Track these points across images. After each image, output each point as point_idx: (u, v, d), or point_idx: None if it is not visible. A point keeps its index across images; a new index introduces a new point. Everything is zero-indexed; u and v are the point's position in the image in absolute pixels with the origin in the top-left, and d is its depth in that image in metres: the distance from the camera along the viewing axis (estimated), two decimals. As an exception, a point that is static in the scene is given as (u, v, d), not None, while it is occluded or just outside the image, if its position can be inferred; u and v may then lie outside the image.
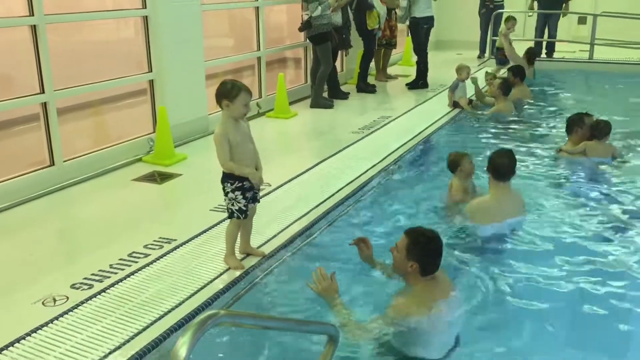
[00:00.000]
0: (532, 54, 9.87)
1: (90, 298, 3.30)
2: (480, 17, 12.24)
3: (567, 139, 5.97)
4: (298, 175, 5.34)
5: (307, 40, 8.45)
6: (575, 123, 5.82)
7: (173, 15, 6.10)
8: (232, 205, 3.57)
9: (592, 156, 5.66)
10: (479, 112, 7.88)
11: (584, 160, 5.64)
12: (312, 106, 8.16)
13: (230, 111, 3.46)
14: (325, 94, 8.55)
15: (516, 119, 7.61)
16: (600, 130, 5.67)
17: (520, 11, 12.59)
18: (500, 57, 10.41)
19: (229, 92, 3.43)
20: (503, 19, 10.89)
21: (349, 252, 3.94)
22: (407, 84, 9.63)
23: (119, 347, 2.86)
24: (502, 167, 4.07)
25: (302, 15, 8.05)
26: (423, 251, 2.92)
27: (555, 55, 11.91)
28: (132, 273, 3.57)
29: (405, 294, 2.97)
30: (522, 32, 12.98)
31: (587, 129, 5.75)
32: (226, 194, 3.59)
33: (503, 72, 9.30)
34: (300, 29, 8.06)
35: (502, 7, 12.08)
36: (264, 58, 7.96)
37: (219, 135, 3.47)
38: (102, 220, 4.44)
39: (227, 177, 3.55)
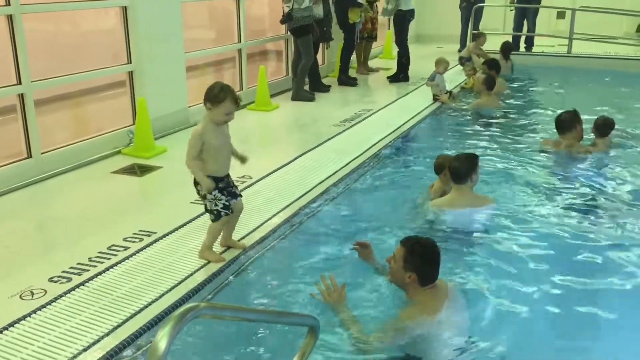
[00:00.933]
0: (507, 49, 9.93)
1: (68, 291, 3.27)
2: (461, 10, 12.27)
3: (549, 135, 5.97)
4: (279, 168, 5.33)
5: (289, 33, 8.43)
6: (575, 120, 5.76)
7: (152, 6, 6.03)
8: (215, 205, 3.55)
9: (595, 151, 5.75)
10: (462, 105, 7.92)
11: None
12: (294, 99, 8.15)
13: (212, 115, 3.43)
14: (307, 87, 8.54)
15: (497, 113, 7.67)
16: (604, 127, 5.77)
17: (500, 5, 12.67)
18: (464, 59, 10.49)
19: (214, 96, 3.39)
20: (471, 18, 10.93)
21: (330, 245, 3.97)
22: (388, 77, 9.66)
23: (97, 341, 2.84)
24: (457, 171, 4.20)
25: (283, 8, 8.02)
26: (421, 260, 2.87)
27: (534, 49, 12.01)
28: (112, 266, 3.55)
29: (407, 309, 2.92)
30: (502, 26, 13.06)
31: (581, 126, 5.77)
32: (204, 197, 3.56)
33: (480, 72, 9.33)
34: (282, 22, 8.04)
35: (482, 0, 12.13)
36: (244, 50, 7.92)
37: (195, 133, 3.45)
38: (81, 213, 4.40)
39: None
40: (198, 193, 3.60)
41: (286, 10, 7.86)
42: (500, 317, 3.16)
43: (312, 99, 8.17)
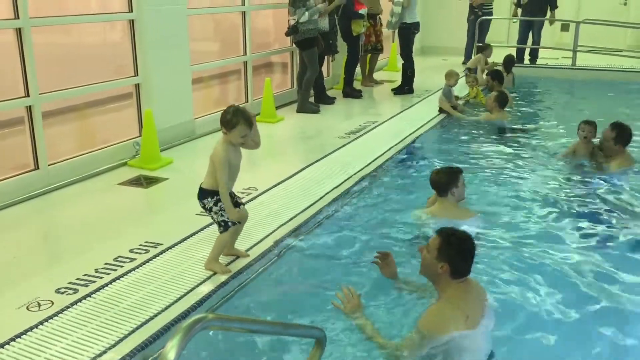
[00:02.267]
0: (509, 62, 10.00)
1: (75, 303, 3.28)
2: (469, 23, 12.31)
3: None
4: (284, 180, 5.35)
5: (294, 45, 8.48)
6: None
7: (159, 19, 6.09)
8: (221, 216, 3.56)
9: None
10: (471, 117, 7.93)
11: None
12: (299, 111, 8.17)
13: (229, 138, 3.50)
14: (312, 99, 8.57)
15: (503, 125, 7.69)
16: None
17: (504, 18, 12.73)
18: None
19: (227, 122, 3.45)
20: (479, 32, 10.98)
21: (335, 256, 3.97)
22: (393, 90, 9.69)
23: (104, 352, 2.85)
24: (435, 184, 4.34)
25: (288, 20, 8.07)
26: (455, 251, 2.83)
27: (539, 61, 12.04)
28: (118, 277, 3.56)
29: (437, 305, 2.88)
30: (506, 39, 13.11)
31: (590, 136, 5.86)
32: (209, 210, 3.59)
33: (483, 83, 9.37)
34: (287, 34, 8.09)
35: (490, 13, 12.18)
36: (250, 62, 7.96)
37: (223, 158, 3.48)
38: (87, 224, 4.42)
39: (206, 194, 3.56)
40: (203, 207, 3.62)
41: (292, 22, 7.91)
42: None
43: (317, 111, 8.20)
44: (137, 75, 6.04)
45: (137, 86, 6.08)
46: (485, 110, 8.12)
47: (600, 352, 3.03)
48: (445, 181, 4.31)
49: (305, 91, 8.20)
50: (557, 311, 3.34)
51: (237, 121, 3.44)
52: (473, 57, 11.24)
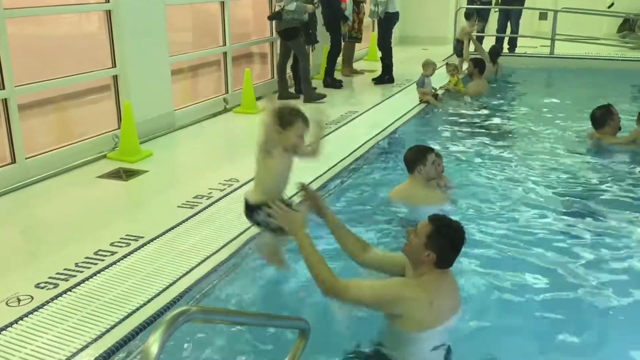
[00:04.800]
0: (495, 53, 10.10)
1: (55, 297, 3.24)
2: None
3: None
4: (266, 171, 5.31)
5: (276, 35, 8.42)
6: (606, 116, 6.03)
7: (136, 10, 6.00)
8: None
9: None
10: (463, 90, 8.06)
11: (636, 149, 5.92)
12: (306, 101, 8.06)
13: (282, 139, 3.20)
14: (292, 89, 8.53)
15: (477, 112, 7.75)
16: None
17: (484, 7, 12.73)
18: (461, 48, 10.55)
19: (284, 118, 3.19)
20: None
21: (320, 248, 3.96)
22: (373, 79, 9.68)
23: (86, 347, 2.82)
24: (404, 160, 4.45)
25: (275, 6, 8.00)
26: (447, 242, 2.72)
27: (518, 50, 12.12)
28: (99, 271, 3.52)
29: (405, 279, 2.80)
30: (485, 28, 13.15)
31: (618, 120, 6.01)
32: (258, 223, 3.36)
33: (466, 68, 9.43)
34: (270, 18, 8.01)
35: (490, 3, 12.20)
36: (230, 53, 7.90)
37: (279, 166, 3.26)
38: (67, 218, 4.36)
39: (257, 208, 3.29)
40: (252, 217, 3.33)
41: (277, 8, 7.85)
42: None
43: (323, 98, 8.18)
44: (115, 66, 5.96)
45: (115, 78, 6.00)
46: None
47: (577, 344, 3.07)
48: (413, 158, 4.38)
49: (307, 81, 8.18)
50: (524, 297, 3.39)
51: (294, 119, 3.19)
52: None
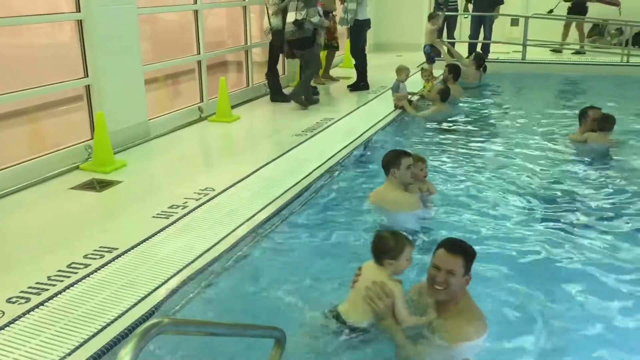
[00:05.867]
0: (478, 59, 10.26)
1: (27, 312, 3.18)
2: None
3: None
4: (242, 179, 5.30)
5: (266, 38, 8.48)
6: (581, 115, 6.51)
7: (108, 19, 5.95)
8: None
9: (591, 143, 6.32)
10: (420, 113, 8.05)
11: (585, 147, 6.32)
12: (305, 105, 8.20)
13: (394, 267, 3.06)
14: (269, 97, 8.53)
15: (453, 117, 7.83)
16: (602, 123, 6.30)
17: (455, 13, 12.89)
18: (433, 54, 10.65)
19: (392, 249, 3.03)
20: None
21: (297, 255, 3.97)
22: (348, 86, 9.72)
23: (59, 362, 2.77)
24: (381, 162, 4.50)
25: (294, 14, 8.01)
26: (474, 256, 2.82)
27: (490, 56, 12.26)
28: (72, 284, 3.46)
29: (464, 316, 2.80)
30: (458, 34, 13.30)
31: (591, 121, 6.36)
32: None
33: (439, 76, 9.52)
34: (295, 23, 8.01)
35: (456, 9, 12.35)
36: (204, 62, 7.87)
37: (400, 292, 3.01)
38: (39, 230, 4.29)
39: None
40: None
41: (298, 17, 7.93)
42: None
43: (317, 101, 8.40)
44: (87, 76, 5.90)
45: (88, 87, 5.94)
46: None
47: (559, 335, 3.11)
48: (386, 160, 4.44)
49: (307, 86, 8.35)
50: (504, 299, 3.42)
51: (403, 245, 3.05)
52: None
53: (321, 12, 8.19)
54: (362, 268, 3.11)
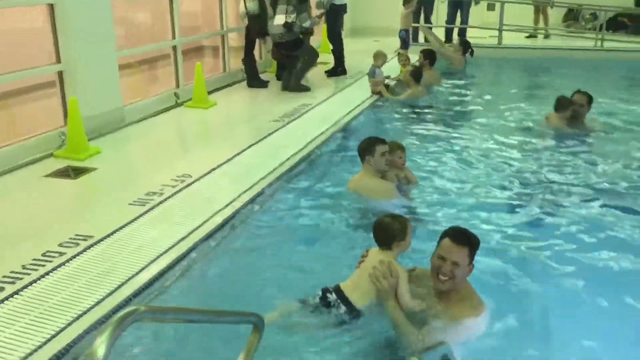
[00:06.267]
0: (464, 44, 10.31)
1: (1, 301, 3.13)
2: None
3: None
4: (220, 166, 5.27)
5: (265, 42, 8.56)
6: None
7: (81, 3, 5.83)
8: None
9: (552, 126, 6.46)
10: (396, 97, 8.06)
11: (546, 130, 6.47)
12: (293, 90, 8.26)
13: (402, 248, 3.13)
14: (245, 82, 8.47)
15: (429, 103, 7.86)
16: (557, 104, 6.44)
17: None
18: (408, 38, 10.66)
19: (399, 231, 3.09)
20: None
21: (274, 243, 3.96)
22: (326, 72, 9.68)
23: (34, 351, 2.74)
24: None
25: (283, 17, 8.04)
26: (478, 245, 2.87)
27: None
28: (47, 273, 3.42)
29: (463, 300, 2.85)
30: (435, 19, 13.31)
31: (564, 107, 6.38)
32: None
33: (415, 62, 9.54)
34: (285, 25, 8.06)
35: None
36: (179, 47, 7.77)
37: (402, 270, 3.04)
38: (13, 219, 4.22)
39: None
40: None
41: (287, 20, 8.00)
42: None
43: (308, 89, 8.36)
44: (60, 62, 5.78)
45: (60, 74, 5.83)
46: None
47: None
48: (361, 148, 4.45)
49: (300, 77, 8.36)
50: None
51: (406, 224, 3.15)
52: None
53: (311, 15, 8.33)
54: (369, 251, 3.14)
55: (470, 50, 10.29)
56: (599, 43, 11.45)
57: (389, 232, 3.08)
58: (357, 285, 3.01)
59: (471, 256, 2.82)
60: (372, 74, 8.19)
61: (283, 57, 8.44)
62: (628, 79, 10.02)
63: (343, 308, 2.97)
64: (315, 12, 10.14)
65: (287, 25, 8.02)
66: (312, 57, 8.56)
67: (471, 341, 2.78)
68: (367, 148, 4.42)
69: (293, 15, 8.01)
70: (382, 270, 2.90)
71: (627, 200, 4.63)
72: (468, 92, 8.79)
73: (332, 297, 3.00)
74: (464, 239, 2.83)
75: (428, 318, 2.84)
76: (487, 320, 2.84)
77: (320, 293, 3.04)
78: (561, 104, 6.39)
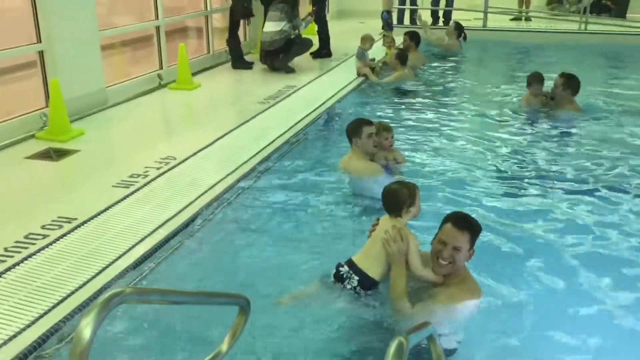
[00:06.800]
0: (458, 27, 10.27)
1: (-16, 285, 3.10)
2: None
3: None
4: (204, 148, 5.24)
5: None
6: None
7: (62, -18, 5.72)
8: None
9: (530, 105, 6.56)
10: (382, 80, 8.04)
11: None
12: (278, 68, 8.29)
13: (412, 213, 3.13)
14: (230, 64, 8.39)
15: (416, 85, 7.84)
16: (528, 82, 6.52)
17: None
18: (391, 20, 10.62)
19: (408, 196, 3.09)
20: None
21: (261, 224, 3.95)
22: (311, 53, 9.61)
23: (18, 334, 2.72)
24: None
25: (275, 24, 8.11)
26: (480, 231, 2.88)
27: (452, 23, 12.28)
28: (30, 255, 3.39)
29: (462, 282, 2.86)
30: (420, 1, 13.25)
31: (554, 88, 6.37)
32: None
33: (400, 44, 9.50)
34: (281, 33, 8.14)
35: None
36: (163, 27, 7.67)
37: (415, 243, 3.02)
38: (-6, 201, 4.17)
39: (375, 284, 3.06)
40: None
41: (282, 28, 8.11)
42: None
43: (293, 71, 8.33)
44: (40, 42, 5.68)
45: (41, 54, 5.73)
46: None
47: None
48: (349, 129, 4.47)
49: (292, 57, 8.41)
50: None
51: (415, 189, 3.15)
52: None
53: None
54: (380, 220, 3.16)
55: (463, 34, 10.27)
56: (582, 26, 11.48)
57: (398, 198, 3.09)
58: (369, 254, 3.03)
59: (472, 241, 2.83)
60: (361, 57, 8.15)
61: (273, 62, 8.40)
62: (611, 59, 10.08)
63: (356, 279, 2.98)
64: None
65: (282, 33, 8.12)
66: (306, 45, 8.55)
67: (463, 324, 2.81)
68: (354, 130, 4.43)
69: (283, 23, 8.10)
70: (393, 235, 2.92)
71: (609, 180, 4.68)
72: (454, 75, 8.79)
73: (344, 269, 3.02)
74: (466, 224, 2.84)
75: (425, 297, 2.87)
76: (480, 304, 2.85)
77: (334, 270, 3.06)
78: (530, 80, 6.46)
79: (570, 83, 6.24)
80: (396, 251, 2.90)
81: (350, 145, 4.49)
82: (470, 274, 2.92)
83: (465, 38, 10.26)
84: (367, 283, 2.99)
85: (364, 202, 4.20)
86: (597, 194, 4.43)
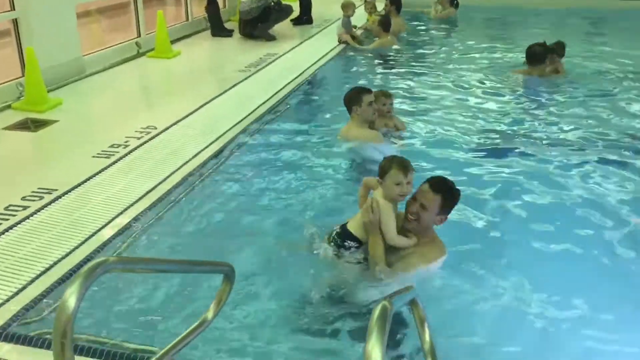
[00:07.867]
0: None
1: (-35, 257, 3.08)
2: None
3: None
4: (185, 117, 5.19)
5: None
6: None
7: (34, -54, 5.56)
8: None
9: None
10: (364, 46, 7.98)
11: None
12: (259, 36, 8.25)
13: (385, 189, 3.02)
14: (210, 31, 8.27)
15: (399, 51, 7.80)
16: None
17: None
18: None
19: (380, 168, 3.04)
20: None
21: (242, 192, 3.94)
22: (291, 20, 9.50)
23: (2, 305, 2.70)
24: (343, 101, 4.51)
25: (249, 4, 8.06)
26: (455, 201, 2.91)
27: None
28: (11, 227, 3.36)
29: (429, 243, 2.96)
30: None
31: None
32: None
33: (381, 10, 9.41)
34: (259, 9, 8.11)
35: None
36: (140, -6, 7.51)
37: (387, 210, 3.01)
38: (-28, 173, 4.11)
39: (352, 238, 3.08)
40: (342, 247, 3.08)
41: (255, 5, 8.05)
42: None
43: (274, 38, 8.26)
44: (14, 9, 5.54)
45: (15, 21, 5.59)
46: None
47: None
48: (348, 98, 4.43)
49: (271, 26, 8.34)
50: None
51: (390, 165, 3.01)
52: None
53: None
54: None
55: (455, 1, 10.22)
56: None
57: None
58: (357, 220, 3.09)
59: (443, 206, 2.87)
60: (346, 25, 8.08)
61: (252, 31, 8.28)
62: (595, 25, 10.12)
63: (348, 244, 3.05)
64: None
65: (258, 1, 8.09)
66: (285, 12, 8.48)
67: (437, 280, 2.91)
68: (353, 98, 4.38)
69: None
70: (368, 204, 2.98)
71: (598, 148, 4.69)
72: (437, 41, 8.75)
73: (337, 229, 3.10)
74: (440, 187, 2.89)
75: (400, 258, 2.94)
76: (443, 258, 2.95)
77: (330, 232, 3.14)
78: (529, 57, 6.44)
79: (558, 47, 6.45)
80: (368, 221, 2.95)
81: (349, 115, 4.46)
82: (437, 237, 3.00)
83: (457, 6, 10.20)
84: (350, 240, 3.05)
85: (362, 169, 4.19)
86: (588, 158, 4.45)
